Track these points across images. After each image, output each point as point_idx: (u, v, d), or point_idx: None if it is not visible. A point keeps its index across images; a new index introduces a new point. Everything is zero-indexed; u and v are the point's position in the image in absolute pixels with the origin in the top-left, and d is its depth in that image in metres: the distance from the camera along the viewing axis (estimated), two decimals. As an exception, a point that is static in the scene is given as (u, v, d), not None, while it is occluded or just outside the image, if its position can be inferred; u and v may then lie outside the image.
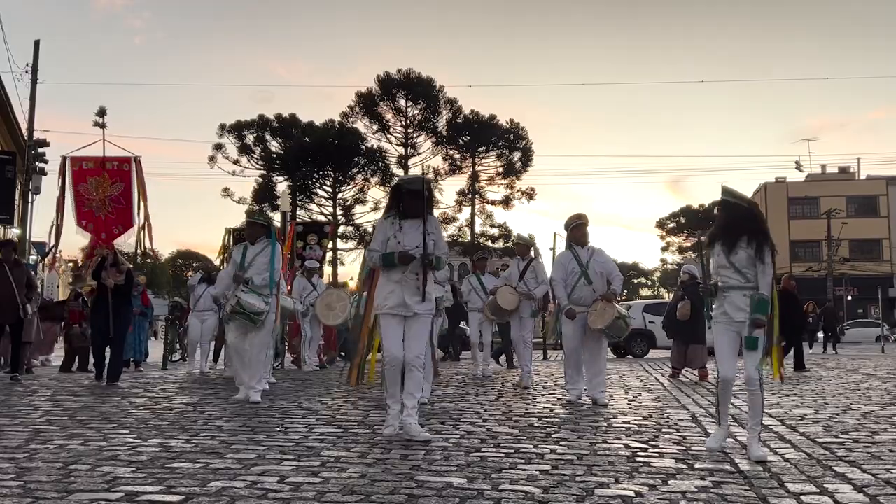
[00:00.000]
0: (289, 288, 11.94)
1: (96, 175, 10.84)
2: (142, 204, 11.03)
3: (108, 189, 10.81)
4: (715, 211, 5.12)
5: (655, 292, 73.82)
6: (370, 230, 46.84)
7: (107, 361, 9.90)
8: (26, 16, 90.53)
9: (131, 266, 10.67)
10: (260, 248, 7.72)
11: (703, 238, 5.23)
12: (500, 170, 48.01)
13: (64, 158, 11.19)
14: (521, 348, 9.75)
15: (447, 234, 44.77)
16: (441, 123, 47.90)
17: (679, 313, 11.23)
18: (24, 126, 23.26)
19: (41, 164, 23.25)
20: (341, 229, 44.50)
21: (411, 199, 5.55)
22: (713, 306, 5.11)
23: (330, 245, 15.90)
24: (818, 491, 3.77)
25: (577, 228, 7.78)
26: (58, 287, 34.18)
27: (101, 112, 11.19)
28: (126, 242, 11.60)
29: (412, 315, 5.39)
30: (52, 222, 11.16)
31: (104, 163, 10.98)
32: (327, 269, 15.03)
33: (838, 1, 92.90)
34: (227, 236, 12.76)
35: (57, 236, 11.20)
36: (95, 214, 10.79)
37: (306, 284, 12.87)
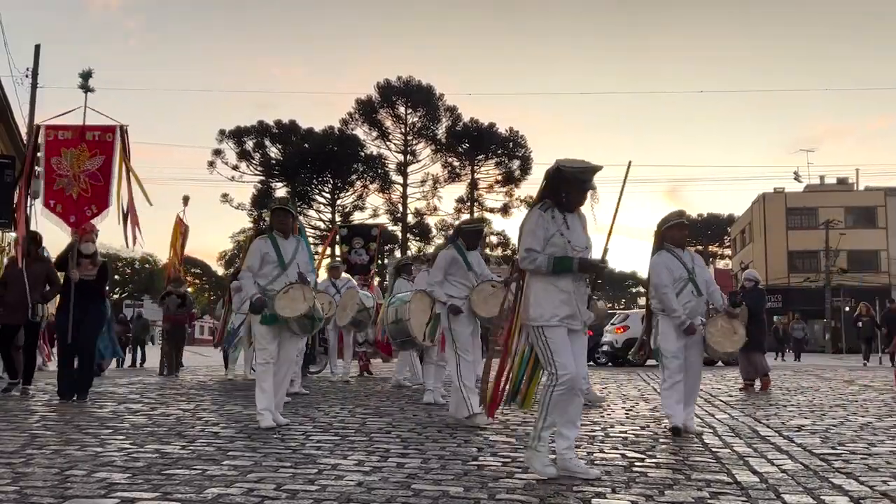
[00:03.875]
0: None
1: (73, 147, 9.13)
2: (123, 183, 9.14)
3: (84, 163, 9.09)
4: None
5: (653, 301, 73.75)
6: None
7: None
8: (24, 19, 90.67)
9: (106, 259, 9.13)
10: (294, 243, 6.55)
11: None
12: (499, 178, 48.17)
13: (37, 127, 9.63)
14: None
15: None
16: (440, 131, 48.09)
17: None
18: (23, 130, 23.25)
19: (40, 169, 23.18)
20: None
21: (579, 191, 4.55)
22: None
23: (373, 247, 15.56)
24: (815, 502, 3.77)
25: (676, 228, 6.50)
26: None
27: (86, 75, 9.59)
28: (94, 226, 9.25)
29: (576, 329, 4.49)
30: (14, 205, 9.42)
31: (84, 132, 9.23)
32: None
33: (837, 12, 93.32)
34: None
35: (14, 221, 9.31)
36: (66, 193, 9.05)
37: (329, 287, 11.72)
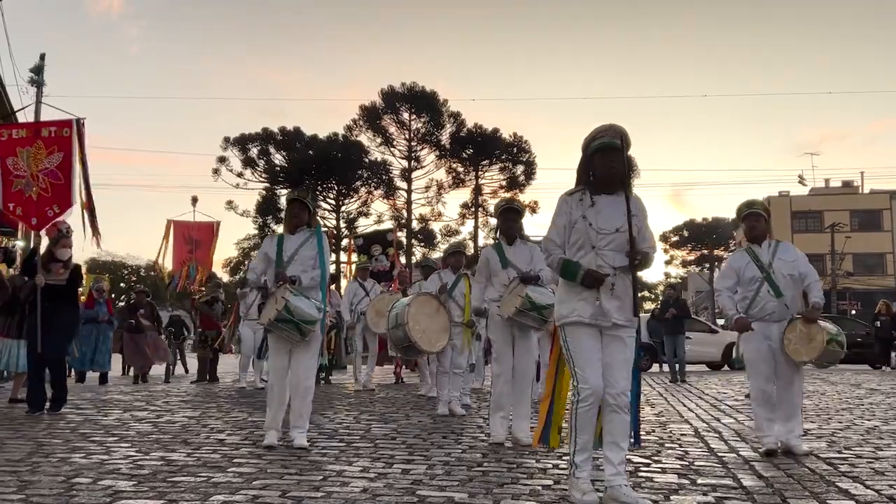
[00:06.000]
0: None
1: (29, 145, 8.50)
2: (80, 178, 8.54)
3: (42, 161, 8.47)
4: None
5: (659, 306, 73.59)
6: (352, 244, 47.07)
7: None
8: (26, 27, 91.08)
9: (78, 264, 8.52)
10: (302, 238, 5.80)
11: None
12: (504, 183, 48.16)
13: None
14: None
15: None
16: (444, 137, 48.11)
17: None
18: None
19: None
20: (343, 241, 44.64)
21: (605, 160, 3.90)
22: None
23: (392, 252, 15.29)
24: (821, 507, 3.76)
25: (749, 218, 5.68)
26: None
27: (37, 69, 9.00)
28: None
29: (611, 327, 3.87)
30: None
31: (39, 129, 8.67)
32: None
33: (840, 15, 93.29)
34: None
35: None
36: (25, 195, 8.43)
37: (357, 289, 11.37)
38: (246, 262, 51.19)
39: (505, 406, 5.86)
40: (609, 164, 3.89)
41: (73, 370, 13.00)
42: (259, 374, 11.77)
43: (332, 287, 12.58)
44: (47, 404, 7.78)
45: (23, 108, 9.07)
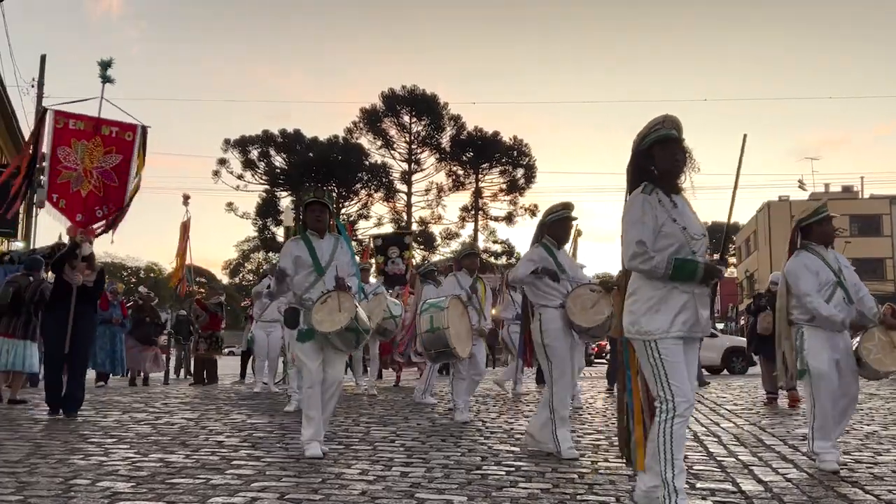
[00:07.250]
0: None
1: (86, 139, 8.28)
2: (136, 182, 8.45)
3: (99, 159, 8.27)
4: None
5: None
6: (371, 244, 47.10)
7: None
8: (26, 29, 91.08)
9: (103, 265, 8.40)
10: (332, 243, 5.60)
11: None
12: (504, 186, 48.30)
13: (44, 110, 8.77)
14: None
15: (449, 249, 44.88)
16: (445, 140, 48.28)
17: (760, 326, 9.71)
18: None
19: (45, 178, 23.18)
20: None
21: (667, 152, 3.67)
22: None
23: (408, 255, 15.15)
24: (820, 512, 3.75)
25: (826, 222, 5.39)
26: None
27: (106, 64, 8.73)
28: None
29: (694, 339, 3.66)
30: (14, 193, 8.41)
31: (99, 125, 8.42)
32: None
33: (841, 19, 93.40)
34: None
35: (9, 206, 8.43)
36: (73, 189, 8.16)
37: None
38: (245, 265, 51.27)
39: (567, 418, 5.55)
40: (673, 156, 3.66)
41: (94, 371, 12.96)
42: (273, 378, 11.62)
43: None
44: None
45: (85, 100, 8.61)
